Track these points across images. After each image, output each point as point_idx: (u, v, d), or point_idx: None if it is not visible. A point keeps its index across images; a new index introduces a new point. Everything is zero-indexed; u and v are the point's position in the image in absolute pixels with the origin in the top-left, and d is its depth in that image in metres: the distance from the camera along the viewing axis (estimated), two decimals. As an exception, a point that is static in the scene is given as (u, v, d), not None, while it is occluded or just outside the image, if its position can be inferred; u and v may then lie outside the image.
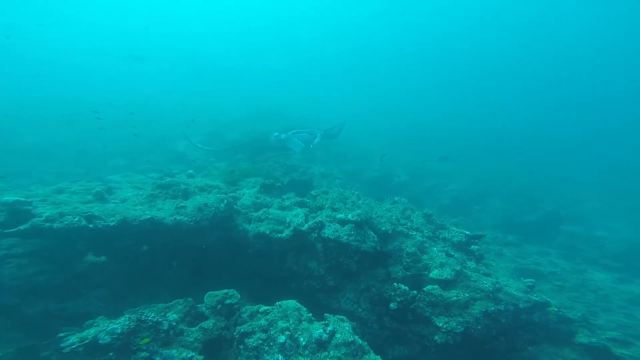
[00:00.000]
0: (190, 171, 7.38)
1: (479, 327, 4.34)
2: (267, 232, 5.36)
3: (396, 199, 10.57)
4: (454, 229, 5.79)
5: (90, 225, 3.98)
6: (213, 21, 60.79)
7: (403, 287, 4.71)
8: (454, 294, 4.60)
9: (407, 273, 5.03)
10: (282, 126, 15.51)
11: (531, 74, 52.27)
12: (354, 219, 5.13)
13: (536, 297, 5.06)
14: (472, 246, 5.55)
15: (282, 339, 3.44)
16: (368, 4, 54.52)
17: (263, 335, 3.52)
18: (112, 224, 4.08)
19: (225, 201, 5.29)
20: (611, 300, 7.71)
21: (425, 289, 4.66)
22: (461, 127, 30.64)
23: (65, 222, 3.87)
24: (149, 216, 4.30)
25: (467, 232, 5.64)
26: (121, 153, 12.78)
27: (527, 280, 5.32)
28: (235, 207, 5.71)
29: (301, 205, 6.32)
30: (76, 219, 3.92)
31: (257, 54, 56.03)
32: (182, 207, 4.76)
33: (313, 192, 6.55)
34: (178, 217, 4.57)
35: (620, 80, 48.27)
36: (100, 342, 3.26)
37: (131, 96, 23.64)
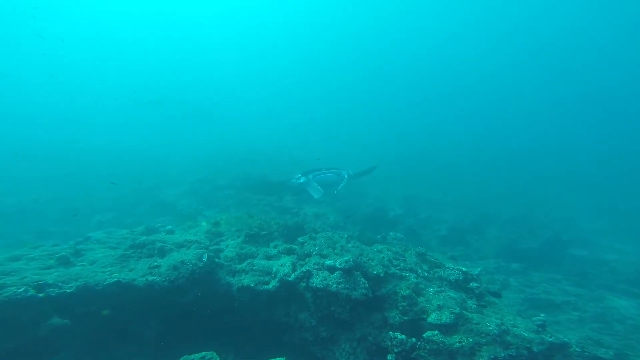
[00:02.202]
0: (169, 227, 7.09)
1: (490, 378, 3.88)
2: (252, 285, 5.07)
3: (392, 234, 10.19)
4: (450, 266, 5.44)
5: (40, 295, 3.65)
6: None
7: (400, 336, 4.29)
8: (457, 340, 4.17)
9: (405, 318, 4.62)
10: (276, 168, 15.40)
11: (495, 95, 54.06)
12: (342, 266, 4.83)
13: (550, 337, 4.58)
14: (471, 283, 5.17)
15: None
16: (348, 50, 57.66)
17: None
18: (69, 291, 3.74)
19: (205, 256, 5.01)
20: (645, 331, 6.88)
21: (424, 335, 4.23)
22: (445, 152, 30.93)
23: (4, 295, 3.53)
24: (115, 279, 3.97)
25: (464, 269, 5.29)
26: (109, 207, 12.53)
27: (536, 318, 4.87)
28: (217, 260, 5.42)
29: (289, 252, 6.01)
30: (21, 290, 3.59)
31: (238, 98, 57.95)
32: (156, 266, 4.45)
33: (300, 239, 6.28)
34: (150, 278, 4.23)
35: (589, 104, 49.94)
36: None
37: (124, 143, 23.80)
